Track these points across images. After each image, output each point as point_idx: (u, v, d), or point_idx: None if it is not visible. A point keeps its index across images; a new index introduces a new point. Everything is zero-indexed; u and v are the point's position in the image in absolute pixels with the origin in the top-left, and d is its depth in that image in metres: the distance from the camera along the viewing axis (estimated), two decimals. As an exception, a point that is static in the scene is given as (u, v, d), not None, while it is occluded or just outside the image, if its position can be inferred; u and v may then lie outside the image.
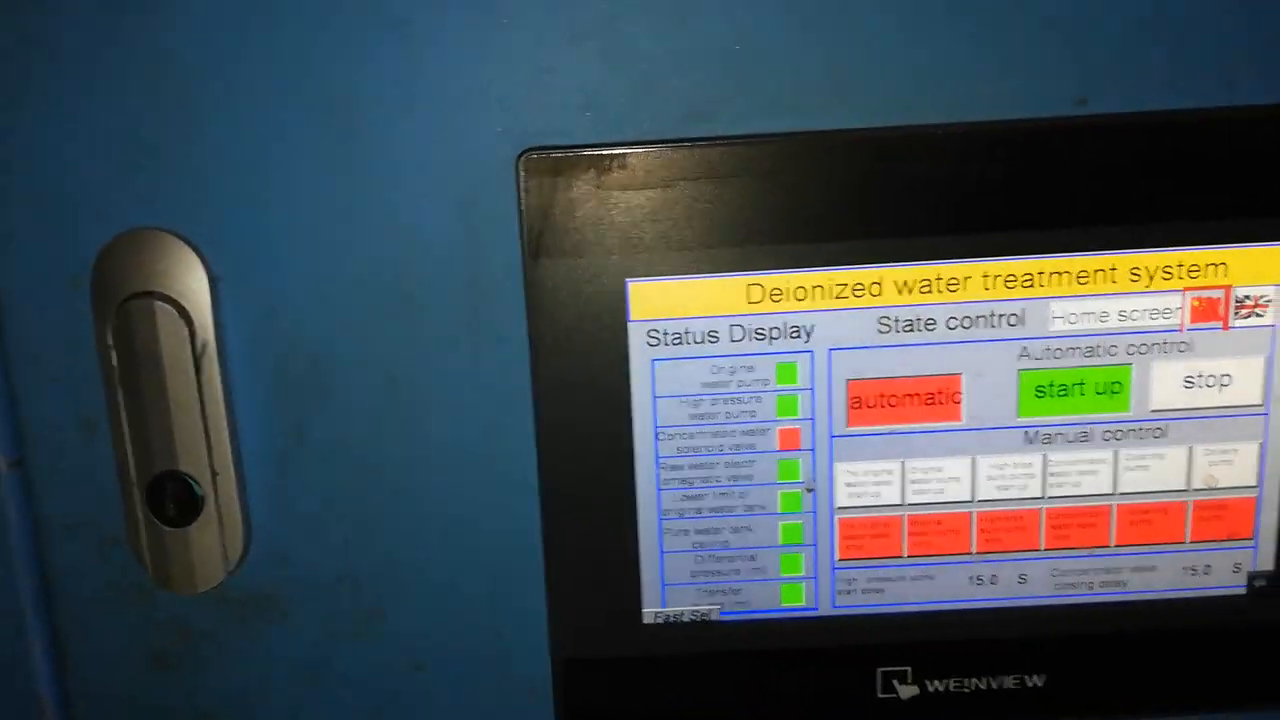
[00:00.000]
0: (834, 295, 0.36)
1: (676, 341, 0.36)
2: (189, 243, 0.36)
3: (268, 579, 0.39)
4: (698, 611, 0.38)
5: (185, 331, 0.36)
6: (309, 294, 0.37)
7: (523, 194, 0.35)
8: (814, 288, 0.36)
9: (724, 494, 0.37)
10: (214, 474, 0.37)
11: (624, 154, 0.35)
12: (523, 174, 0.35)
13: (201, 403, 0.36)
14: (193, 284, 0.36)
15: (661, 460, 0.37)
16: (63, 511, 0.39)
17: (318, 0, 0.34)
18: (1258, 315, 0.35)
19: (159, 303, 0.36)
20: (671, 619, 0.38)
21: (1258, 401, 0.36)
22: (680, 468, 0.37)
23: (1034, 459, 0.37)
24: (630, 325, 0.36)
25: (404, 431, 0.38)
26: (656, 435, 0.37)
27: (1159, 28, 0.34)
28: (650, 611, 0.38)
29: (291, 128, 0.35)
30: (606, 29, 0.35)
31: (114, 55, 0.34)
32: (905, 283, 0.35)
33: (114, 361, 0.36)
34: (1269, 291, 0.35)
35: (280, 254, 0.36)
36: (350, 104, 0.35)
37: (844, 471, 0.37)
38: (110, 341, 0.36)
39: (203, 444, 0.37)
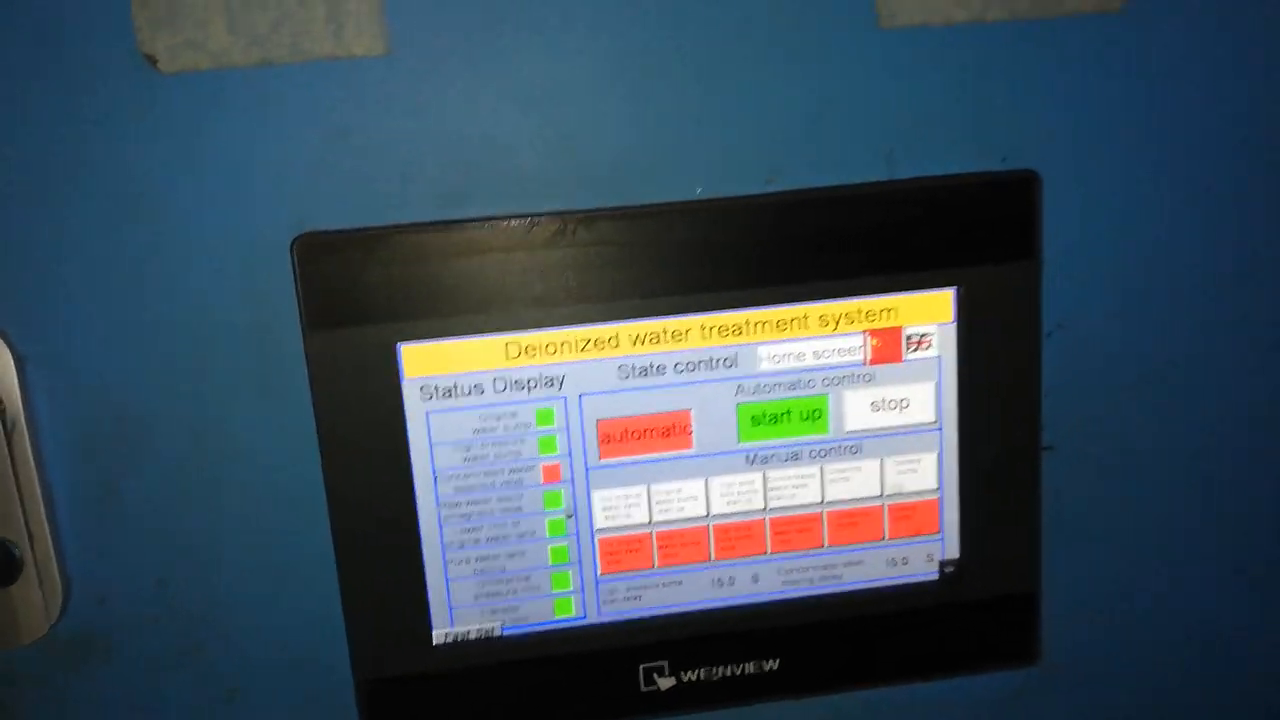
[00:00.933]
0: (580, 349, 0.42)
1: (447, 395, 0.42)
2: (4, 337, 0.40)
3: (91, 624, 0.43)
4: (483, 629, 0.44)
5: (-5, 410, 0.40)
6: (112, 366, 0.41)
7: (299, 273, 0.40)
8: (562, 343, 0.42)
9: (498, 525, 0.43)
10: (31, 536, 0.41)
11: (388, 235, 0.40)
12: (298, 256, 0.40)
13: (15, 473, 0.40)
14: None
15: (441, 499, 0.42)
16: (-114, 579, 0.42)
17: (110, 95, 0.39)
18: (925, 349, 0.43)
19: (-36, 382, 0.39)
20: (460, 638, 0.44)
21: (931, 419, 0.44)
22: (459, 505, 0.43)
23: (755, 477, 0.43)
24: (405, 383, 0.41)
25: (208, 484, 0.42)
26: (435, 478, 0.42)
27: (830, 117, 0.42)
28: (440, 632, 0.44)
29: (86, 213, 0.39)
30: (371, 126, 0.40)
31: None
32: (639, 336, 0.42)
33: (-76, 434, 0.40)
34: (931, 330, 0.43)
35: (83, 331, 0.41)
36: (141, 191, 0.40)
37: (600, 498, 0.43)
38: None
39: (18, 510, 0.41)
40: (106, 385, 0.41)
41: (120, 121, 0.39)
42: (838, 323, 0.42)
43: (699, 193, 0.41)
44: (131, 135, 0.39)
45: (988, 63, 0.42)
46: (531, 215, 0.41)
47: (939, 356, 0.43)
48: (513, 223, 0.41)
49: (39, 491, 0.41)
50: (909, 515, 0.44)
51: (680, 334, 0.42)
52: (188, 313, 0.41)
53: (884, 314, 0.43)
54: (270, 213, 0.40)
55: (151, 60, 0.38)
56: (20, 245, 0.39)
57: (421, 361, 0.41)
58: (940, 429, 0.44)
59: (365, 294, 0.40)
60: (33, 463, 0.41)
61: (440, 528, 0.43)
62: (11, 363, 0.40)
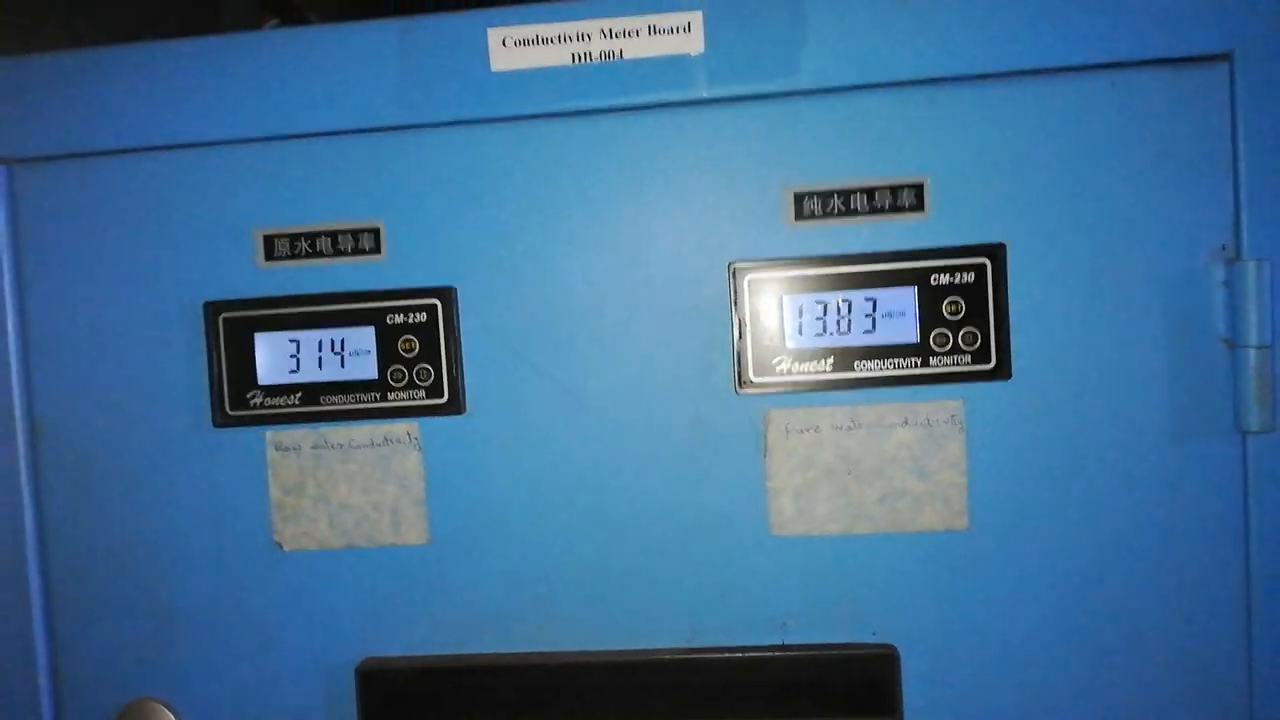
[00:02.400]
0: (550, 752, 0.57)
1: (455, 777, 0.58)
2: (170, 708, 0.60)
3: None
4: None
5: (163, 763, 0.60)
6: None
7: (359, 692, 0.58)
8: (538, 746, 0.57)
9: None
10: None
11: (424, 663, 0.58)
12: (360, 675, 0.58)
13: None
14: (171, 731, 0.60)
15: None
16: None
17: (247, 567, 0.59)
18: (816, 775, 0.55)
19: (149, 746, 0.60)
20: None
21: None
22: None
23: None
24: (427, 766, 0.58)
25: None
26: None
27: (734, 597, 0.56)
28: None
29: (210, 644, 0.60)
30: (416, 587, 0.58)
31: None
32: (592, 746, 0.57)
33: (122, 779, 0.60)
34: (820, 761, 0.55)
35: (222, 712, 0.60)
36: (261, 626, 0.59)
37: None
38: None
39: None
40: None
41: (257, 585, 0.59)
42: (743, 752, 0.56)
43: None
44: (262, 596, 0.59)
45: (855, 562, 0.55)
46: (530, 655, 0.57)
47: (828, 784, 0.55)
48: (517, 660, 0.57)
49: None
50: None
51: (624, 749, 0.57)
52: (285, 694, 0.60)
53: (784, 748, 0.55)
54: (343, 643, 0.59)
55: (279, 545, 0.59)
56: (186, 645, 0.60)
57: (439, 753, 0.58)
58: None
59: (401, 706, 0.58)
60: (184, 796, 0.60)
61: None
62: (175, 725, 0.60)
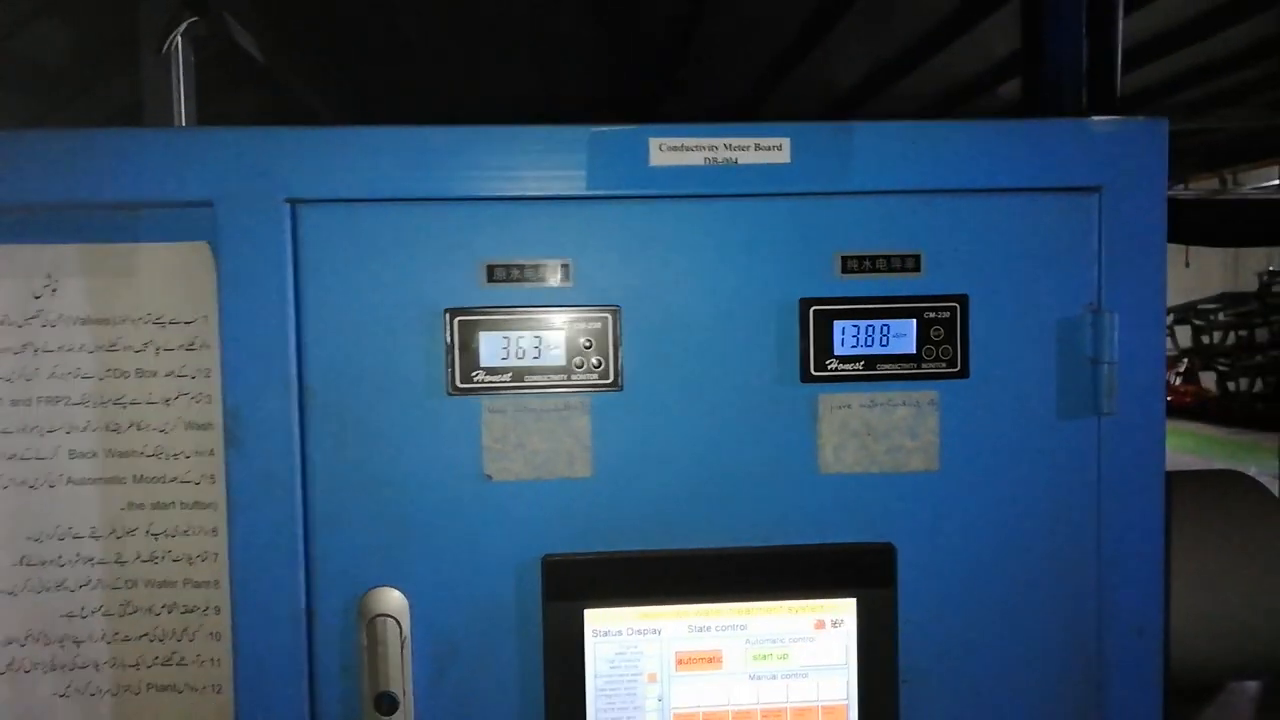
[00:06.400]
0: (669, 616, 0.86)
1: (604, 635, 0.86)
2: (401, 589, 0.85)
3: (415, 739, 0.87)
4: (612, 755, 0.86)
5: (399, 631, 0.85)
6: (446, 606, 0.86)
7: (543, 575, 0.85)
8: (663, 613, 0.86)
9: (624, 702, 0.86)
10: (404, 692, 0.85)
11: (586, 559, 0.85)
12: (544, 567, 0.85)
13: (402, 660, 0.85)
14: (402, 609, 0.85)
15: (597, 688, 0.86)
16: (325, 707, 0.86)
17: (463, 495, 0.85)
18: (842, 627, 0.86)
19: (389, 619, 0.85)
20: (600, 758, 0.86)
21: (843, 662, 0.87)
22: (605, 691, 0.86)
23: (754, 685, 0.86)
24: (586, 628, 0.86)
25: (490, 662, 0.86)
26: (595, 676, 0.86)
27: (791, 512, 0.87)
28: (591, 755, 0.86)
29: (434, 547, 0.86)
30: (581, 502, 0.86)
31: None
32: (699, 612, 0.86)
33: (364, 643, 0.85)
34: (844, 616, 0.86)
35: (430, 588, 0.86)
36: (472, 526, 0.86)
37: (678, 690, 0.86)
38: (365, 637, 0.85)
39: (400, 677, 0.85)
40: (448, 618, 0.86)
41: (470, 504, 0.86)
42: (796, 612, 0.86)
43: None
44: (474, 512, 0.86)
45: (870, 490, 0.87)
46: (653, 554, 0.86)
47: (851, 631, 0.86)
48: (651, 554, 0.86)
49: (411, 675, 0.86)
50: (830, 715, 0.87)
51: (718, 612, 0.86)
52: (487, 581, 0.86)
53: (822, 609, 0.86)
54: (530, 544, 0.86)
55: (489, 477, 0.85)
56: (420, 560, 0.86)
57: (594, 619, 0.86)
58: (848, 666, 0.87)
59: (570, 586, 0.85)
60: (410, 658, 0.85)
61: (596, 702, 0.86)
62: (407, 604, 0.85)
